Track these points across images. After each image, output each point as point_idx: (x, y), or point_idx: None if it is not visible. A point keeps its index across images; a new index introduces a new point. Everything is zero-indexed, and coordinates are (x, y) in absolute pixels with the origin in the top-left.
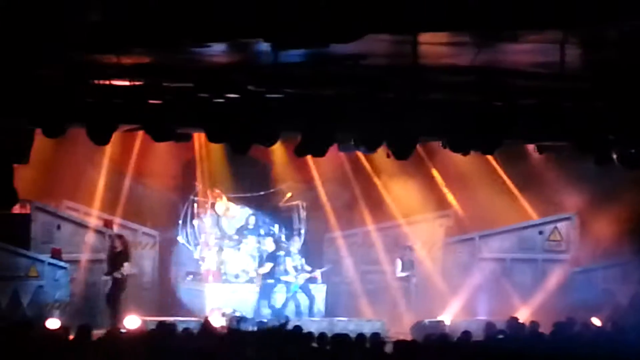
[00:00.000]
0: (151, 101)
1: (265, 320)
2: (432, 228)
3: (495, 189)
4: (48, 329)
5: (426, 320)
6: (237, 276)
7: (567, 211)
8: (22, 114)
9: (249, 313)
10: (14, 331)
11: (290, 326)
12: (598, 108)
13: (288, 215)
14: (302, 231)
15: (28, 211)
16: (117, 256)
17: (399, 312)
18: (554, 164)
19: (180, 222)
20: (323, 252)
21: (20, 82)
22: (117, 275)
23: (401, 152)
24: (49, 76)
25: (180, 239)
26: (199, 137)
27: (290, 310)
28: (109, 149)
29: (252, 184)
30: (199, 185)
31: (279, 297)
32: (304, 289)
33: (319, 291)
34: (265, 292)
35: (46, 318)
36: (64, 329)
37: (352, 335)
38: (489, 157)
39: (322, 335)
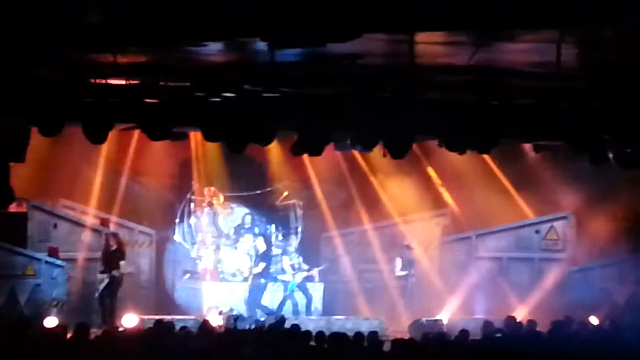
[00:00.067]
0: (147, 100)
1: (262, 319)
2: (429, 227)
3: (491, 188)
4: (46, 328)
5: (424, 319)
6: (234, 275)
7: (564, 210)
8: (19, 112)
9: (245, 311)
10: (12, 330)
11: (287, 325)
12: (594, 108)
13: (285, 214)
14: (299, 230)
15: (25, 210)
16: (112, 255)
17: (396, 311)
18: (550, 163)
19: (177, 220)
20: (320, 251)
21: (16, 81)
22: (115, 274)
23: (397, 151)
24: (45, 76)
25: (177, 237)
26: (195, 136)
27: (287, 309)
28: (105, 147)
29: (248, 183)
30: (195, 184)
31: (276, 295)
32: (302, 287)
33: (317, 290)
34: (256, 292)
35: (44, 316)
36: (61, 328)
37: (350, 333)
38: (486, 156)
39: (320, 333)
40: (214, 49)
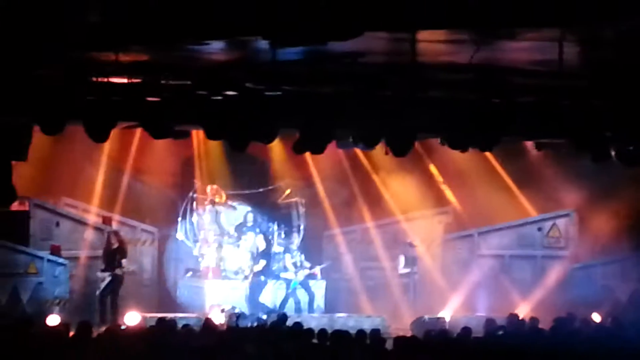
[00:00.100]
0: (149, 98)
1: (264, 317)
2: (431, 225)
3: (493, 185)
4: (48, 326)
5: (426, 317)
6: (236, 273)
7: (566, 208)
8: (21, 111)
9: (247, 309)
10: (15, 328)
11: (290, 323)
12: (596, 105)
13: (287, 212)
14: (301, 228)
15: (27, 208)
16: (114, 253)
17: (399, 308)
18: (552, 161)
19: (179, 219)
20: (322, 249)
21: (19, 80)
22: (118, 272)
23: (399, 149)
24: (47, 74)
25: (180, 235)
26: (197, 134)
27: (290, 307)
28: (107, 146)
29: (250, 181)
30: (197, 182)
31: (278, 293)
32: (304, 285)
33: (319, 287)
34: (256, 289)
35: (46, 315)
36: (64, 326)
37: (352, 331)
38: (488, 154)
39: (322, 331)
40: (215, 48)
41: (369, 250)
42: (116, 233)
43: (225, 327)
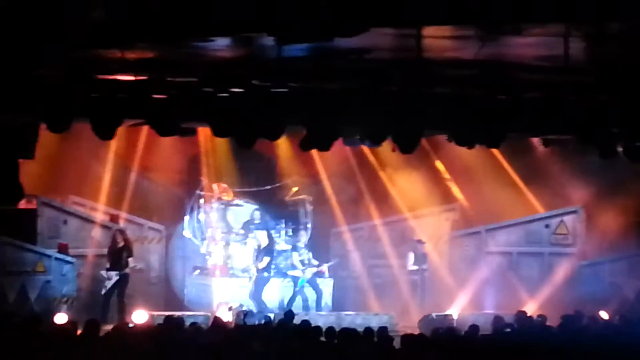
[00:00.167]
0: (156, 96)
1: (271, 315)
2: (438, 222)
3: (500, 182)
4: (56, 324)
5: (434, 314)
6: (244, 270)
7: (573, 204)
8: (27, 109)
9: (254, 307)
10: (23, 326)
11: (297, 320)
12: (603, 101)
13: (294, 210)
14: (309, 225)
15: (34, 206)
16: (120, 252)
17: (407, 306)
18: (559, 157)
19: (186, 216)
20: (330, 247)
21: (25, 78)
22: (127, 271)
23: (406, 146)
24: (53, 73)
25: (187, 233)
26: (203, 132)
27: (297, 305)
28: (114, 143)
29: (257, 179)
30: (204, 180)
31: (286, 291)
32: (312, 283)
33: (327, 285)
34: (258, 286)
35: (54, 313)
36: (71, 324)
37: (360, 329)
38: (494, 150)
39: (330, 329)
40: (221, 45)
41: (377, 248)
42: (122, 232)
43: (232, 325)
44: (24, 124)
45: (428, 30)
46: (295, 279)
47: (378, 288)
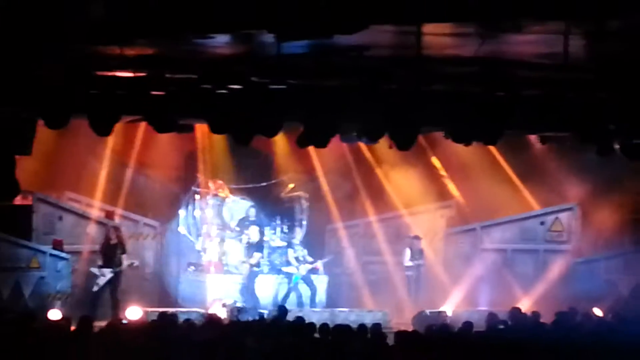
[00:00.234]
0: (154, 92)
1: (265, 311)
2: (434, 218)
3: (497, 179)
4: (50, 320)
5: (427, 311)
6: (238, 267)
7: (569, 201)
8: (25, 105)
9: (243, 302)
10: (17, 322)
11: (292, 317)
12: (601, 99)
13: (290, 207)
14: (304, 222)
15: (30, 202)
16: (112, 248)
17: (401, 303)
18: (556, 155)
19: (181, 213)
20: (325, 243)
21: (23, 74)
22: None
23: (403, 142)
24: (51, 69)
25: (182, 229)
26: (201, 128)
27: (292, 301)
28: (111, 140)
29: (253, 175)
30: (200, 177)
31: (280, 288)
32: (306, 279)
33: (321, 282)
34: (250, 282)
35: (48, 309)
36: (65, 320)
37: (354, 326)
38: (491, 147)
39: (324, 325)
40: (220, 41)
41: (372, 245)
42: (116, 228)
43: (226, 321)
44: (21, 119)
45: (428, 28)
46: (289, 276)
47: (372, 285)
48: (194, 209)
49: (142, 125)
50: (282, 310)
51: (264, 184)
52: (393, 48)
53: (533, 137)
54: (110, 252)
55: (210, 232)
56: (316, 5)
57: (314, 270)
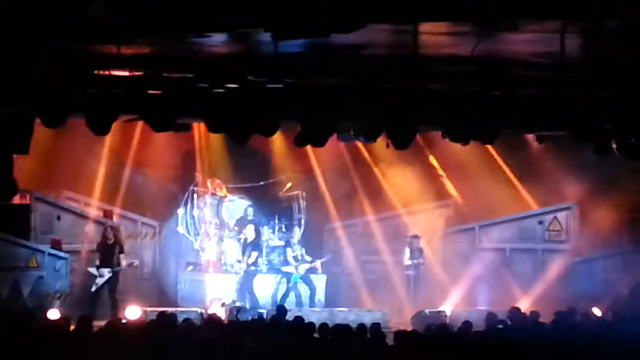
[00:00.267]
0: (151, 91)
1: (264, 311)
2: (432, 218)
3: (494, 178)
4: (49, 320)
5: (427, 311)
6: (234, 266)
7: (567, 201)
8: (22, 104)
9: (247, 303)
10: (15, 322)
11: (291, 316)
12: (598, 98)
13: (288, 206)
14: (302, 221)
15: (28, 202)
16: (110, 248)
17: (400, 302)
18: (553, 154)
19: (179, 212)
20: (323, 243)
21: (20, 73)
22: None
23: (401, 141)
24: (49, 68)
25: (180, 229)
26: (198, 127)
27: (291, 301)
28: (108, 139)
29: (251, 174)
30: (198, 176)
31: (279, 287)
32: (305, 279)
33: (320, 281)
34: (247, 281)
35: (47, 309)
36: (64, 320)
37: (353, 325)
38: (489, 146)
39: (323, 325)
40: (217, 40)
41: (370, 244)
42: (114, 228)
43: (226, 321)
44: (18, 118)
45: (424, 27)
46: (288, 275)
47: (371, 284)
48: (192, 208)
49: (140, 124)
50: (281, 309)
51: (262, 183)
52: (390, 47)
53: (530, 137)
54: (108, 252)
55: (208, 231)
56: (313, 4)
57: (312, 270)
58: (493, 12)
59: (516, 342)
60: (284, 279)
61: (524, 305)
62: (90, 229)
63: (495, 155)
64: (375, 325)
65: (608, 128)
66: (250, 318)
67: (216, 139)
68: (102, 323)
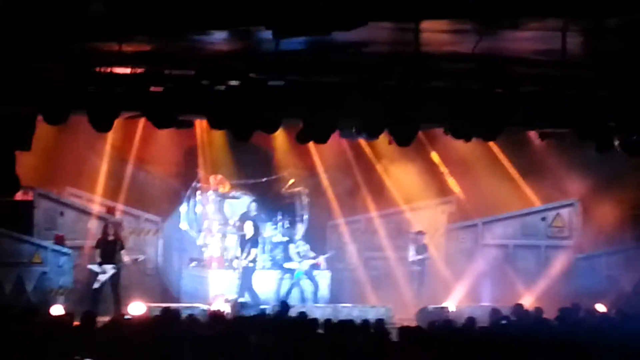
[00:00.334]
0: (153, 88)
1: (266, 307)
2: (435, 214)
3: (497, 175)
4: (52, 316)
5: (430, 307)
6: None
7: (570, 197)
8: (25, 101)
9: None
10: (19, 318)
11: (294, 313)
12: (600, 95)
13: (291, 202)
14: (305, 218)
15: (31, 198)
16: (113, 245)
17: (403, 298)
18: (556, 151)
19: (182, 208)
20: (326, 239)
21: (22, 70)
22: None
23: (403, 138)
24: (51, 65)
25: (183, 225)
26: (200, 124)
27: (294, 297)
28: (111, 136)
29: (254, 171)
30: (201, 172)
31: (283, 283)
32: (308, 275)
33: (323, 277)
34: (247, 277)
35: (50, 304)
36: (68, 316)
37: (357, 321)
38: (491, 143)
39: (327, 321)
40: (219, 38)
41: (373, 240)
42: (115, 224)
43: (230, 317)
44: (21, 115)
45: (426, 24)
46: (291, 271)
47: (375, 280)
48: (195, 205)
49: (142, 121)
50: (284, 305)
51: (265, 179)
52: (391, 45)
53: (532, 133)
54: (109, 248)
55: (211, 227)
56: (314, 2)
57: (316, 266)
58: (494, 10)
59: (520, 338)
60: (288, 275)
61: (528, 301)
62: (93, 225)
63: (498, 152)
64: (379, 321)
65: (610, 125)
66: (253, 313)
67: (218, 135)
68: (106, 319)
